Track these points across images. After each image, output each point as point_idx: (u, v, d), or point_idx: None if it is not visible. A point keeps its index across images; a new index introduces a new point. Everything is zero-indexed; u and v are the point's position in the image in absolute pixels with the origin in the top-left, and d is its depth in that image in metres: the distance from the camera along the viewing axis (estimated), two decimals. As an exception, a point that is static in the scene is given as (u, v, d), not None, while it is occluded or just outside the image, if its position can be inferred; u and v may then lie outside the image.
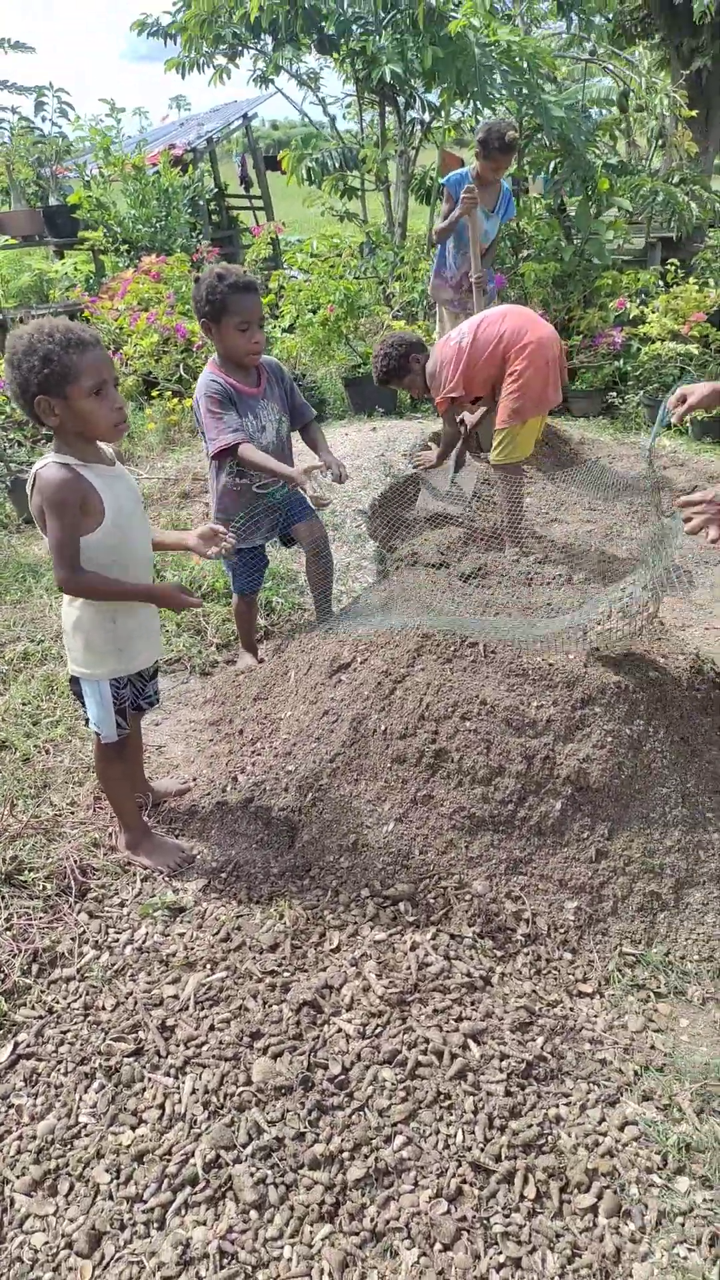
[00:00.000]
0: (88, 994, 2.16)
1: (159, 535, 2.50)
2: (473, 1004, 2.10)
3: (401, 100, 7.87)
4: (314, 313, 6.74)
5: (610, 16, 11.58)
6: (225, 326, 2.89)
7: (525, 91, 7.05)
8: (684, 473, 5.90)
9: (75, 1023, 2.09)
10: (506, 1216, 1.72)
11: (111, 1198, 1.75)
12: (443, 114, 7.93)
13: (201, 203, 9.72)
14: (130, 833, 2.54)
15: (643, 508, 5.39)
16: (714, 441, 6.48)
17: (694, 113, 9.15)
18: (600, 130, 8.39)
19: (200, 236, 8.75)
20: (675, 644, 2.86)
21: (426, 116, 8.19)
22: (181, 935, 2.31)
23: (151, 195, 8.27)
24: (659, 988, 2.22)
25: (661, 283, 7.54)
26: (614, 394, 6.90)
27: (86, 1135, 1.86)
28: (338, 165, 7.66)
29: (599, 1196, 1.76)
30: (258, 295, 2.92)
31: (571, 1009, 2.15)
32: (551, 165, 7.64)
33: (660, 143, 10.39)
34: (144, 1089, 1.94)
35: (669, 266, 7.64)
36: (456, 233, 5.26)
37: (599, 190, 7.41)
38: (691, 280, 7.19)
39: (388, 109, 8.00)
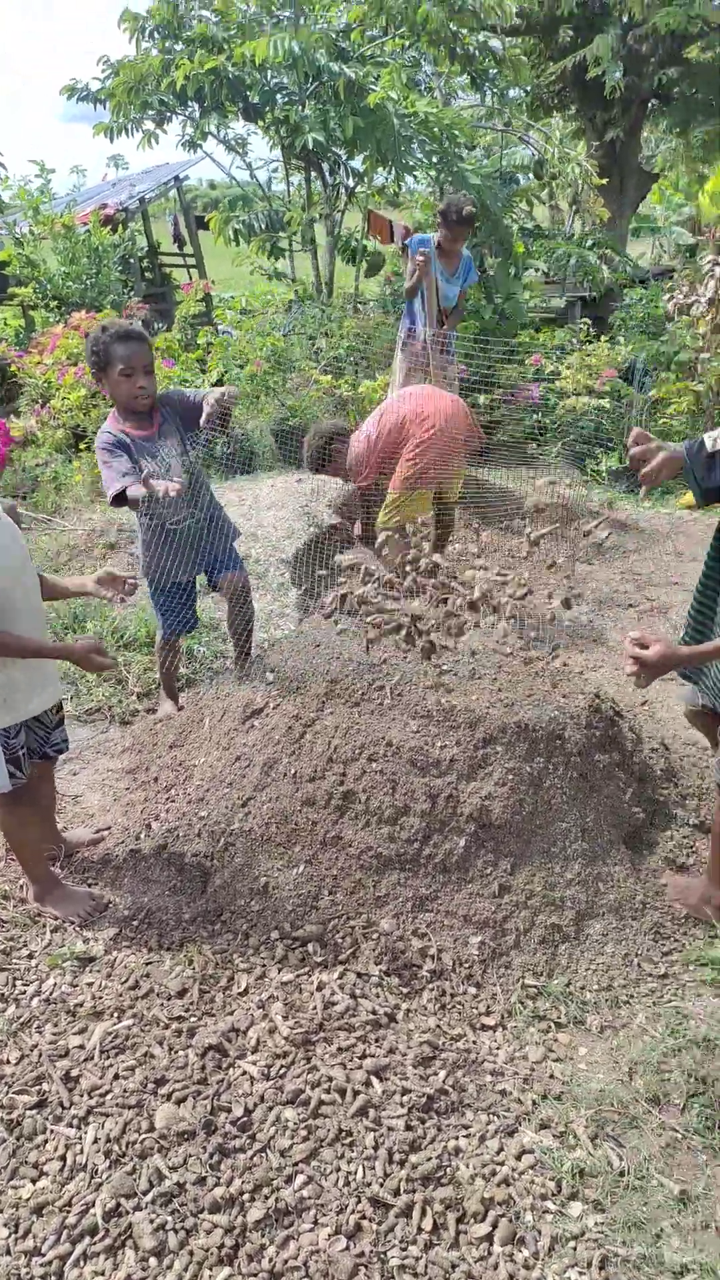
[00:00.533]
0: (-9, 1047, 2.14)
1: (60, 582, 2.54)
2: (377, 1041, 2.14)
3: (326, 166, 8.18)
4: (241, 368, 6.89)
5: (527, 90, 12.20)
6: (111, 375, 2.96)
7: (443, 160, 7.39)
8: (598, 522, 6.13)
9: (-22, 1077, 2.07)
10: (404, 1249, 1.75)
11: (9, 1252, 1.74)
12: (366, 180, 8.26)
13: (133, 260, 9.89)
14: (39, 884, 2.54)
15: (559, 556, 5.59)
16: (626, 490, 6.76)
17: (604, 180, 9.65)
18: (517, 197, 8.81)
19: (131, 293, 8.89)
20: (577, 684, 2.98)
21: (351, 181, 8.51)
22: (90, 985, 2.31)
23: (82, 253, 8.40)
24: (559, 1018, 2.29)
25: (576, 341, 7.89)
26: (534, 445, 7.16)
27: (-15, 1190, 1.84)
28: (264, 227, 7.89)
29: (494, 1225, 1.79)
30: (141, 343, 2.97)
31: (474, 1042, 2.20)
32: (470, 229, 7.99)
33: (576, 208, 10.92)
34: (45, 1141, 1.93)
35: (582, 324, 8.01)
36: (420, 293, 5.53)
37: (515, 253, 7.76)
38: (604, 339, 7.54)
39: (313, 174, 8.30)
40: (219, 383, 7.29)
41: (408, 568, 3.03)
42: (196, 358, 7.26)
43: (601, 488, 6.79)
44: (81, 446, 6.53)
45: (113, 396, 3.05)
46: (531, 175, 10.07)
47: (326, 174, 8.39)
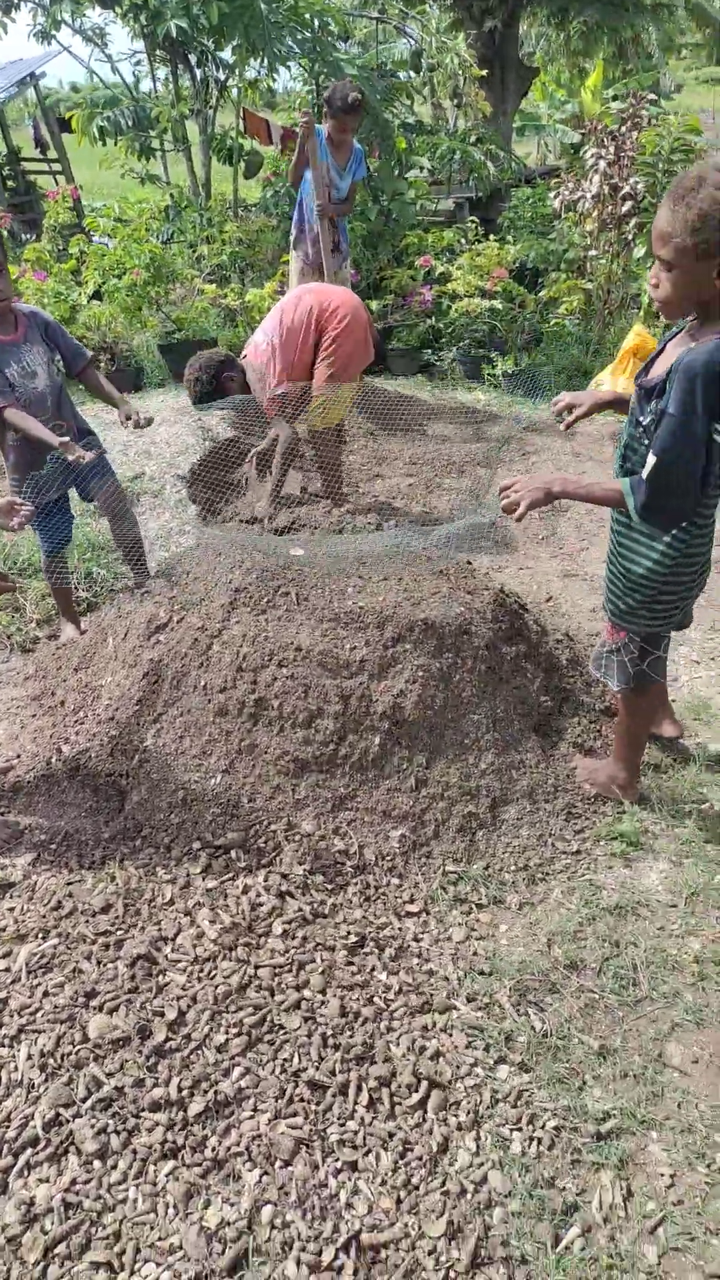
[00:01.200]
0: None
1: None
2: (305, 936, 2.17)
3: (193, 58, 7.69)
4: (119, 278, 6.54)
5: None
6: None
7: (318, 50, 7.04)
8: (497, 425, 6.14)
9: None
10: (342, 1125, 1.81)
11: (-52, 1173, 1.73)
12: (237, 73, 7.82)
13: (-8, 166, 9.22)
14: (-52, 815, 2.47)
15: (462, 463, 5.60)
16: (525, 395, 6.76)
17: (483, 72, 9.36)
18: (397, 90, 8.48)
19: (-7, 202, 8.30)
20: (482, 581, 3.01)
21: (221, 75, 8.04)
22: (11, 910, 2.28)
23: (-66, 158, 7.77)
24: (480, 899, 2.36)
25: (464, 241, 7.74)
26: (429, 351, 7.06)
27: None
28: (131, 124, 7.42)
29: (427, 1095, 1.87)
30: None
31: (400, 929, 2.26)
32: (351, 125, 7.66)
33: (458, 103, 10.59)
34: (-23, 1064, 1.91)
35: (470, 223, 7.85)
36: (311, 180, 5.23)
37: (397, 150, 7.51)
38: (493, 238, 7.42)
39: (180, 67, 7.80)
40: (96, 295, 6.91)
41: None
42: (70, 269, 6.85)
43: (498, 391, 6.78)
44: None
45: None
46: (410, 69, 9.71)
47: (194, 66, 7.91)
